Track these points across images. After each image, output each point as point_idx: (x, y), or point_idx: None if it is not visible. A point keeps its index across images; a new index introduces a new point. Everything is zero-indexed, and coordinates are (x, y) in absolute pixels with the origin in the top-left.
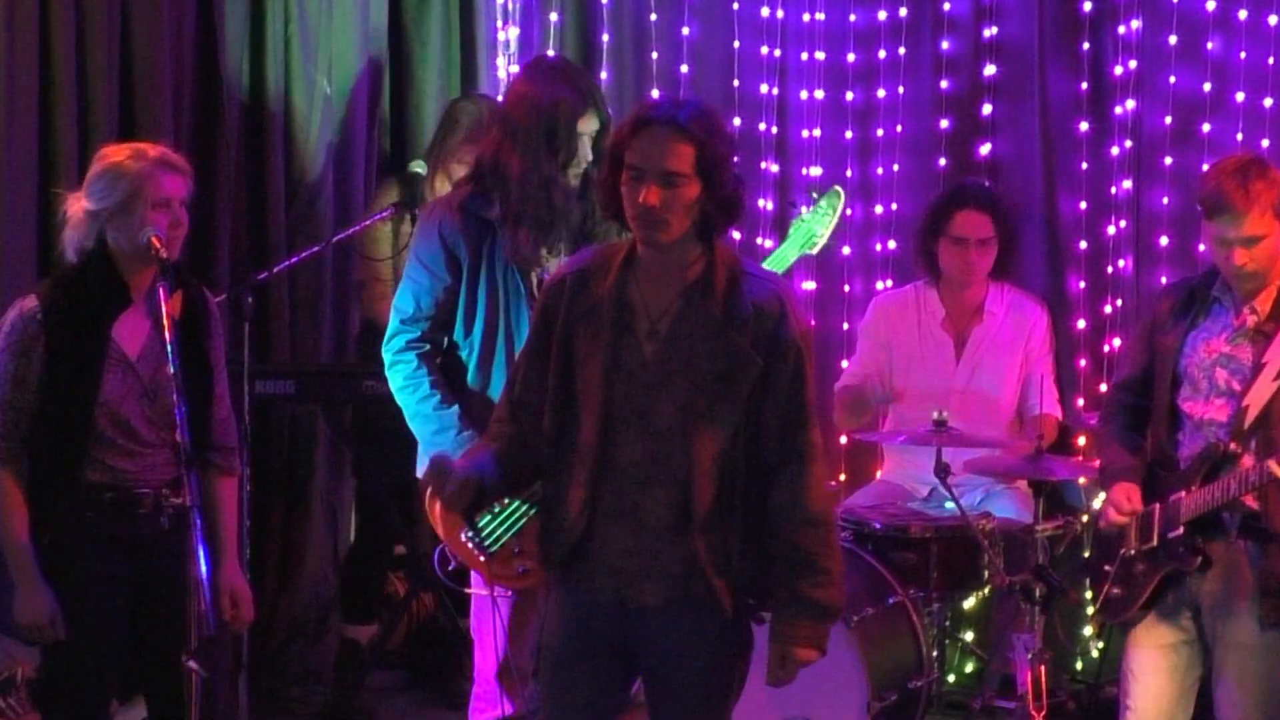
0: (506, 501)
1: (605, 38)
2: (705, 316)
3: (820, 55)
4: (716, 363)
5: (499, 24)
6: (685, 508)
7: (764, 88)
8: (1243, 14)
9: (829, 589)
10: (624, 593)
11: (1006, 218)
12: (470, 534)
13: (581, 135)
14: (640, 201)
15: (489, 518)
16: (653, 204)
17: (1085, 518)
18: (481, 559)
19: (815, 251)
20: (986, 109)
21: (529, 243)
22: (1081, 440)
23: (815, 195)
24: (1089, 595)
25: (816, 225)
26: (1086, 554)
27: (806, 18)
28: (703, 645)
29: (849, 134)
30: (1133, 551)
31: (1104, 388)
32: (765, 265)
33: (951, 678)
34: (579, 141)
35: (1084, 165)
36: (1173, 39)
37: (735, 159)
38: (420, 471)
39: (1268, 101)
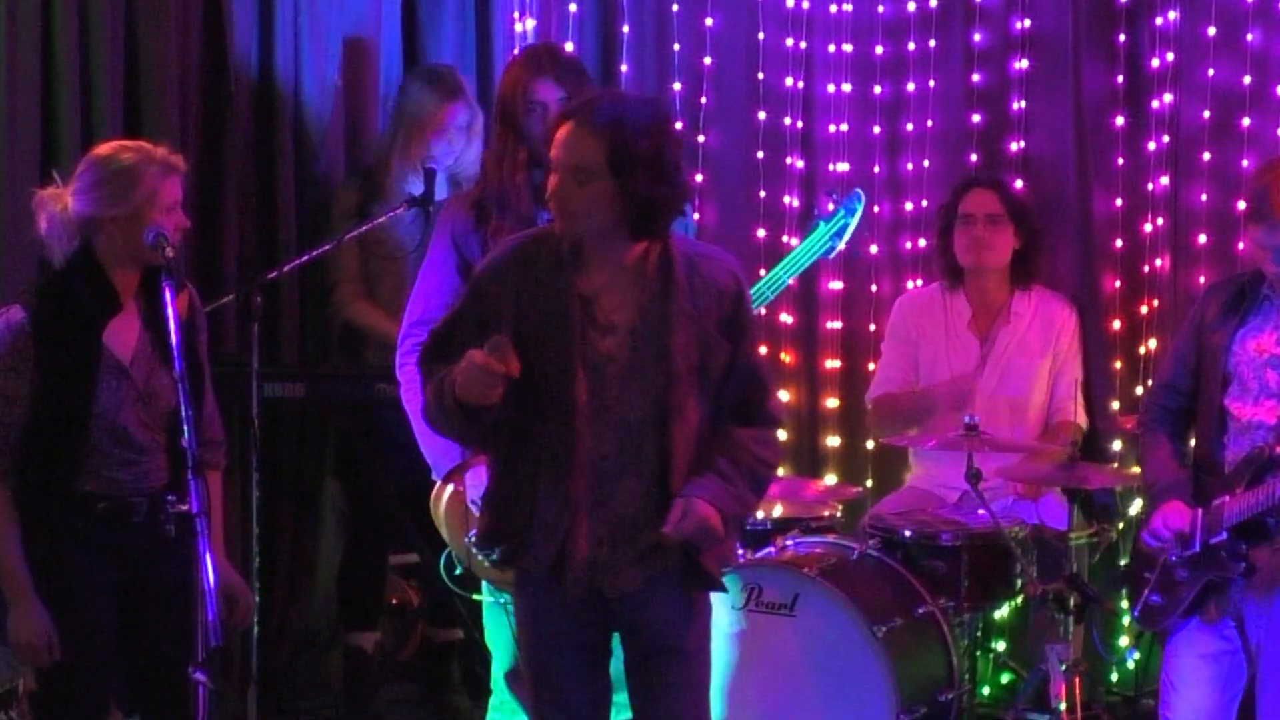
0: None
1: (625, 29)
2: (673, 309)
3: (847, 47)
4: (691, 355)
5: (516, 15)
6: (659, 495)
7: (789, 81)
8: None
9: (747, 495)
10: (601, 584)
11: (1021, 207)
12: (473, 537)
13: (546, 105)
14: (548, 192)
15: None
16: (554, 193)
17: (1121, 525)
18: (487, 564)
19: (833, 256)
20: (1018, 103)
21: (513, 230)
22: (1117, 445)
23: (835, 201)
24: (1125, 604)
25: (832, 231)
26: (1123, 562)
27: (833, 9)
28: (687, 620)
29: (877, 129)
30: (1174, 558)
31: (1139, 391)
32: (780, 267)
33: (986, 690)
34: (544, 112)
35: (1120, 161)
36: (1211, 30)
37: (669, 159)
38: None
39: None
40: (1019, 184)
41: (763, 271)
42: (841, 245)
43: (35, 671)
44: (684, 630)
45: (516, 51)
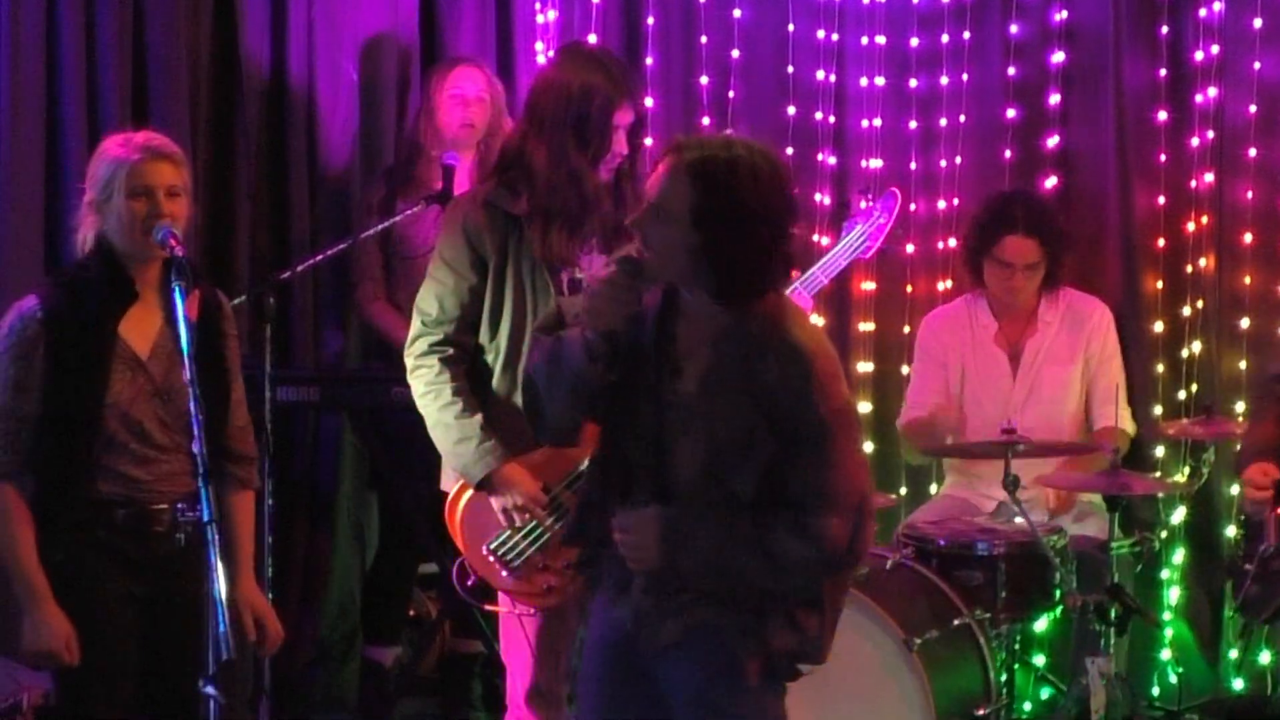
0: (528, 517)
1: (650, 20)
2: (730, 376)
3: (880, 39)
4: (734, 431)
5: (537, 6)
6: None
7: (820, 74)
8: None
9: (746, 561)
10: (642, 634)
11: (1056, 237)
12: (492, 547)
13: (616, 129)
14: (631, 219)
15: (511, 530)
16: (638, 222)
17: (1163, 533)
18: (504, 574)
19: (869, 257)
20: (1056, 98)
21: (561, 240)
22: (1160, 451)
23: (870, 201)
24: (1166, 615)
25: (870, 231)
26: (1164, 572)
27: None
28: (729, 690)
29: (912, 124)
30: (1271, 548)
31: (1182, 395)
32: (815, 268)
33: (1025, 705)
34: (613, 135)
35: (1162, 157)
36: (1257, 22)
37: (767, 221)
38: (445, 484)
39: None
40: (1053, 181)
41: (794, 272)
42: (878, 246)
43: (52, 685)
44: (723, 703)
45: (584, 52)
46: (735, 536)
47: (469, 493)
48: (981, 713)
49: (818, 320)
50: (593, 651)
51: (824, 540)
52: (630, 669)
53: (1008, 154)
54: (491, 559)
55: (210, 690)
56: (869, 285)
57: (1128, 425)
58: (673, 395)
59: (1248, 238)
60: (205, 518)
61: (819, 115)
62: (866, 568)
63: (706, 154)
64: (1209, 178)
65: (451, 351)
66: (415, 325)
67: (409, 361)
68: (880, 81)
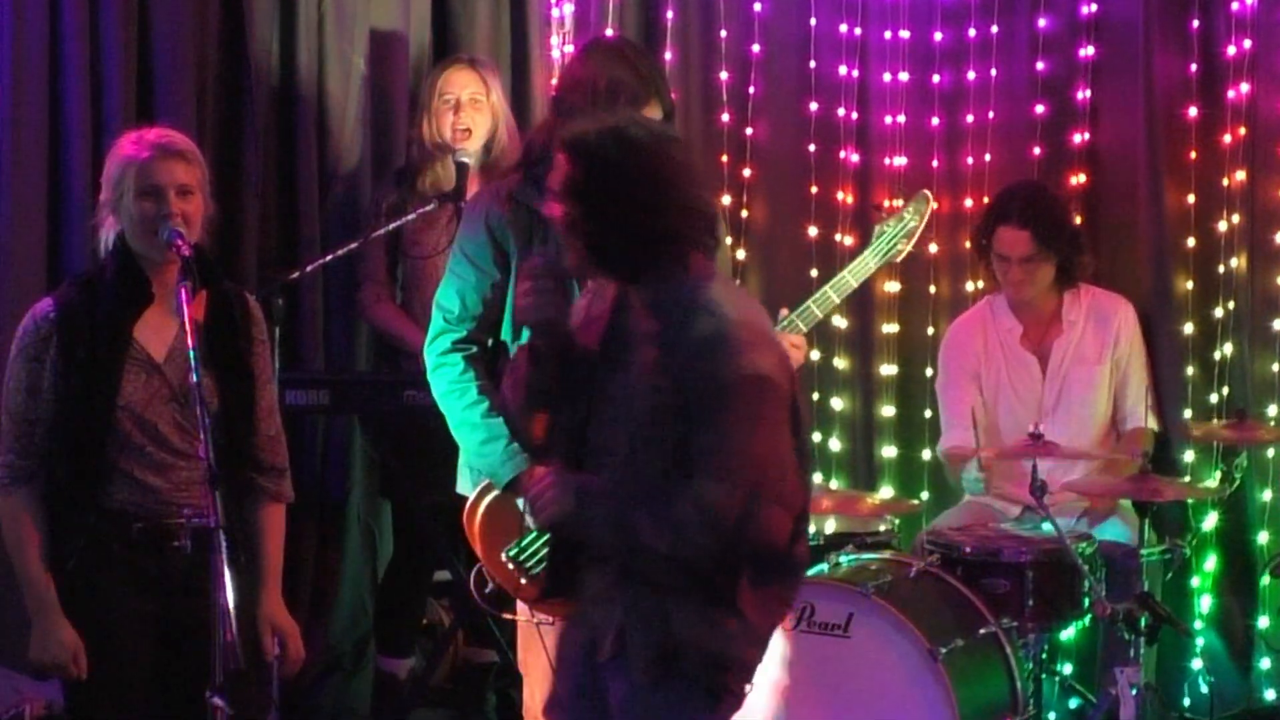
0: None
1: (669, 14)
2: (650, 352)
3: (904, 34)
4: (648, 402)
5: (553, 0)
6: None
7: (843, 69)
8: None
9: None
10: (591, 646)
11: (1056, 231)
12: (512, 554)
13: None
14: None
15: (532, 535)
16: (549, 217)
17: (1194, 540)
18: (523, 581)
19: (899, 260)
20: (1085, 93)
21: None
22: (1190, 456)
23: (900, 202)
24: (1198, 625)
25: (901, 234)
26: (1195, 580)
27: None
28: (650, 694)
29: (936, 120)
30: None
31: (1214, 399)
32: (845, 273)
33: (1052, 715)
34: None
35: (1192, 155)
36: None
37: (650, 184)
38: (462, 488)
39: None
40: (1081, 179)
41: (814, 272)
42: (908, 249)
43: (64, 695)
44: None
45: (612, 46)
46: (636, 494)
47: (489, 497)
48: None
49: (839, 322)
50: (558, 675)
51: (705, 504)
52: (586, 690)
53: (1036, 151)
54: (511, 566)
55: (218, 701)
56: (892, 286)
57: (1151, 423)
58: (603, 392)
59: None
60: (212, 523)
61: (841, 111)
62: (890, 575)
63: (579, 130)
64: (1241, 175)
65: (474, 349)
66: (436, 322)
67: (430, 359)
68: (904, 77)
